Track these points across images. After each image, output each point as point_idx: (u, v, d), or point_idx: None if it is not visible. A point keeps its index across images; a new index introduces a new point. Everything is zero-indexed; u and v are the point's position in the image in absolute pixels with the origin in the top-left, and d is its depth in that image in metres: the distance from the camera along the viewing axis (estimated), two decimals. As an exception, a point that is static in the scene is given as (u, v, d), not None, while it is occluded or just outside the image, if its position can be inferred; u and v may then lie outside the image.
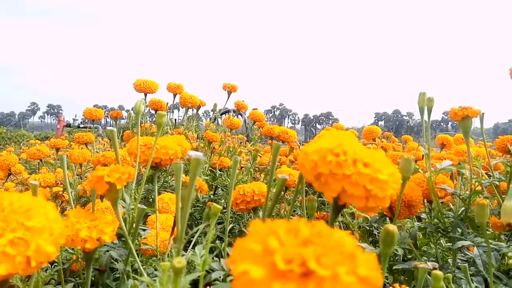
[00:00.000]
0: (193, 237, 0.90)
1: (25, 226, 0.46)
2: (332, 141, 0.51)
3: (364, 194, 0.49)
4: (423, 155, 1.75)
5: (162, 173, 1.96)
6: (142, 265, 0.90)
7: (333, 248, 0.28)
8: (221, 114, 2.77)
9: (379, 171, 0.49)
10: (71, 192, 1.14)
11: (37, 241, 0.46)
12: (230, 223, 1.41)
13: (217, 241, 0.98)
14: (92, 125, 2.57)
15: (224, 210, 0.94)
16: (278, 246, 0.27)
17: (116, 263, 0.97)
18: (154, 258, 0.99)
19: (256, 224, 0.30)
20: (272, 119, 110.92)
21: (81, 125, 6.90)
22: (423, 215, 1.25)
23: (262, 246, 0.27)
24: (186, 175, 1.12)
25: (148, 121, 2.51)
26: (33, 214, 0.47)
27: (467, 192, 1.11)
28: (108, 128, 0.98)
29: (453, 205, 1.29)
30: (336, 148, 0.50)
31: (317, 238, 0.28)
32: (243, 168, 2.04)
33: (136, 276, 0.94)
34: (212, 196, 1.85)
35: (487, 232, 1.03)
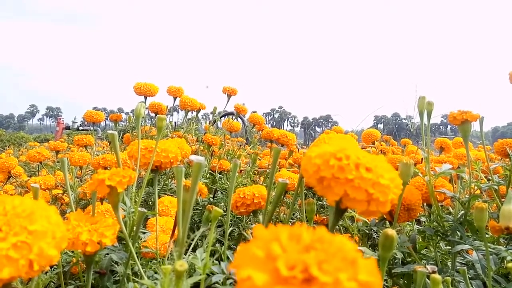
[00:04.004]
0: (192, 240, 0.90)
1: (28, 230, 0.46)
2: (335, 145, 0.52)
3: (366, 198, 0.50)
4: (422, 159, 1.75)
5: (162, 176, 1.96)
6: (142, 268, 0.91)
7: (334, 254, 0.28)
8: (220, 117, 2.77)
9: (381, 175, 0.50)
10: (71, 195, 1.14)
11: (39, 245, 0.46)
12: (230, 226, 1.41)
13: (217, 244, 0.98)
14: (92, 128, 2.57)
15: (224, 213, 0.95)
16: (281, 252, 0.28)
17: (116, 266, 0.97)
18: (154, 261, 0.99)
19: (259, 229, 0.30)
20: (271, 122, 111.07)
21: (80, 128, 6.88)
22: (423, 219, 1.25)
23: (265, 252, 0.28)
24: (185, 178, 1.12)
25: (148, 124, 2.52)
26: (36, 218, 0.48)
27: (467, 196, 1.11)
28: (109, 131, 0.99)
29: (452, 209, 1.29)
30: (339, 153, 0.51)
31: (319, 244, 0.29)
32: (242, 171, 2.05)
33: (137, 279, 0.94)
34: (211, 199, 1.85)
35: (486, 235, 1.04)
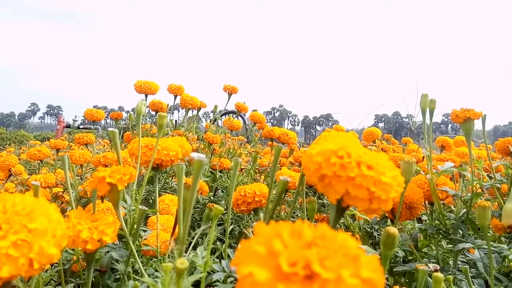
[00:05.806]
0: (193, 238, 0.90)
1: (28, 228, 0.46)
2: (336, 143, 0.52)
3: (368, 196, 0.49)
4: (423, 157, 1.75)
5: (163, 175, 1.96)
6: (143, 266, 0.90)
7: (336, 251, 0.28)
8: (221, 116, 2.77)
9: (382, 173, 0.49)
10: (72, 193, 1.14)
11: (40, 243, 0.46)
12: (231, 225, 1.41)
13: (218, 242, 0.98)
14: (92, 126, 2.57)
15: (225, 212, 0.95)
16: (282, 249, 0.27)
17: (117, 264, 0.97)
18: (155, 259, 0.99)
19: (261, 226, 0.30)
20: (272, 121, 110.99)
21: (81, 126, 6.87)
22: (424, 217, 1.25)
23: (266, 248, 0.27)
24: (186, 177, 1.12)
25: (149, 122, 2.52)
26: (36, 216, 0.47)
27: (468, 194, 1.11)
28: (110, 129, 0.98)
29: (454, 207, 1.29)
30: (340, 150, 0.50)
31: (321, 241, 0.29)
32: (243, 170, 2.04)
33: (137, 277, 0.93)
34: (212, 198, 1.85)
35: (488, 234, 1.03)
